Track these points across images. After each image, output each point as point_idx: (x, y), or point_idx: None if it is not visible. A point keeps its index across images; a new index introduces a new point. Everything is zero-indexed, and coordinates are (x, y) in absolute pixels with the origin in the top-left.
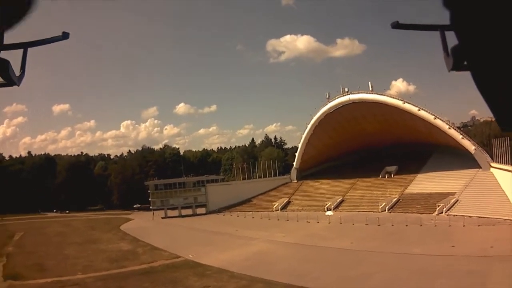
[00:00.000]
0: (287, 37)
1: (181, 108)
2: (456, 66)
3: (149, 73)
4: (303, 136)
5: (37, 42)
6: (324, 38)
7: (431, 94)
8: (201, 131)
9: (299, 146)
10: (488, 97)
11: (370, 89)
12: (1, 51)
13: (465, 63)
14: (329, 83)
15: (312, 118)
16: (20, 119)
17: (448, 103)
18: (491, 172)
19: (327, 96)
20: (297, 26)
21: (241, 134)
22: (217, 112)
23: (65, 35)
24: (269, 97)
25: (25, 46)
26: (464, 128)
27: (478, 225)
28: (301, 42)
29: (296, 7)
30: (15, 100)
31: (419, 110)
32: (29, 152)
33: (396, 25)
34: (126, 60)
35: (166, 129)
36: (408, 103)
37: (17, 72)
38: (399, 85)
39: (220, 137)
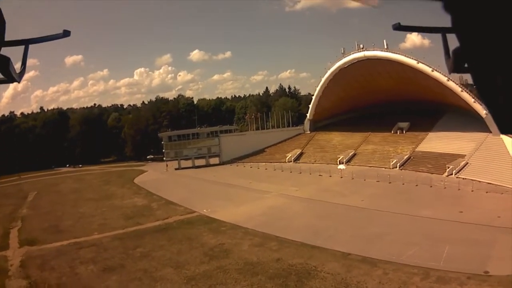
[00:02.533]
0: None
1: (195, 54)
2: (457, 68)
3: (162, 20)
4: (317, 89)
5: (38, 39)
6: None
7: None
8: (215, 77)
9: (313, 98)
10: (488, 99)
11: (385, 46)
12: (2, 48)
13: (466, 65)
14: (344, 33)
15: (326, 71)
16: (32, 73)
17: None
18: (501, 138)
19: (342, 51)
20: None
21: (255, 80)
22: (232, 58)
23: (66, 33)
24: (284, 44)
25: (26, 43)
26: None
27: (487, 192)
28: None
29: None
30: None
31: (432, 71)
32: (41, 108)
33: (398, 27)
34: (139, 8)
35: (179, 75)
36: (422, 63)
37: (18, 69)
38: (414, 38)
39: (234, 83)
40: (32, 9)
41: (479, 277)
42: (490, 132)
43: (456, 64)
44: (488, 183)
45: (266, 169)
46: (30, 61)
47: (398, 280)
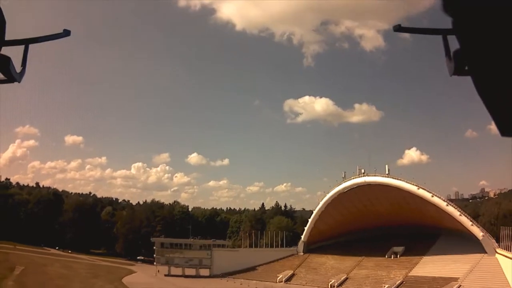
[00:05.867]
0: (306, 98)
1: (193, 158)
2: (458, 70)
3: (165, 120)
4: (314, 213)
5: (39, 39)
6: (342, 101)
7: (443, 164)
8: (211, 183)
9: (309, 221)
10: (488, 101)
11: (387, 172)
12: (2, 47)
13: (466, 68)
14: (344, 148)
15: (322, 189)
16: (31, 142)
17: (459, 173)
18: (496, 258)
19: (343, 176)
20: (316, 88)
21: (251, 191)
22: (229, 166)
23: (66, 32)
24: (282, 156)
25: (26, 42)
26: (473, 200)
27: None
28: (319, 104)
29: (317, 68)
30: (29, 122)
31: (432, 196)
32: (37, 183)
33: (399, 29)
34: (143, 105)
35: (176, 176)
36: (423, 188)
37: (18, 69)
38: (412, 154)
39: (229, 191)
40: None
41: None
42: (486, 252)
43: (457, 66)
44: None
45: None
46: (31, 129)
47: None
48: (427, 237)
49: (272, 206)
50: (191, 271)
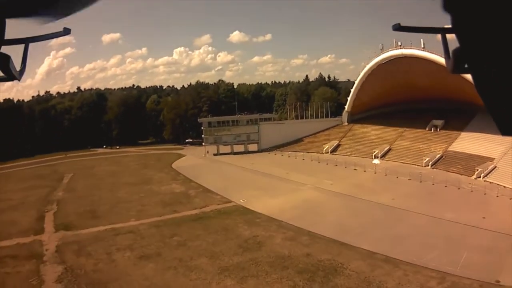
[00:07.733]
0: None
1: (235, 36)
2: (457, 68)
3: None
4: (355, 83)
5: (38, 38)
6: None
7: None
8: (255, 59)
9: (351, 91)
10: (489, 100)
11: (422, 46)
12: (2, 46)
13: (466, 66)
14: (383, 17)
15: (365, 60)
16: (67, 50)
17: None
18: None
19: (381, 48)
20: None
21: (295, 64)
22: (272, 41)
23: (66, 31)
24: (324, 28)
25: (26, 41)
26: None
27: (510, 198)
28: None
29: None
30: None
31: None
32: (78, 88)
33: (398, 28)
34: None
35: (219, 56)
36: None
37: (18, 67)
38: None
39: (274, 65)
40: None
41: (490, 285)
42: None
43: (456, 65)
44: None
45: (303, 159)
46: (66, 38)
47: (416, 282)
48: (465, 113)
49: (316, 78)
50: (239, 148)
